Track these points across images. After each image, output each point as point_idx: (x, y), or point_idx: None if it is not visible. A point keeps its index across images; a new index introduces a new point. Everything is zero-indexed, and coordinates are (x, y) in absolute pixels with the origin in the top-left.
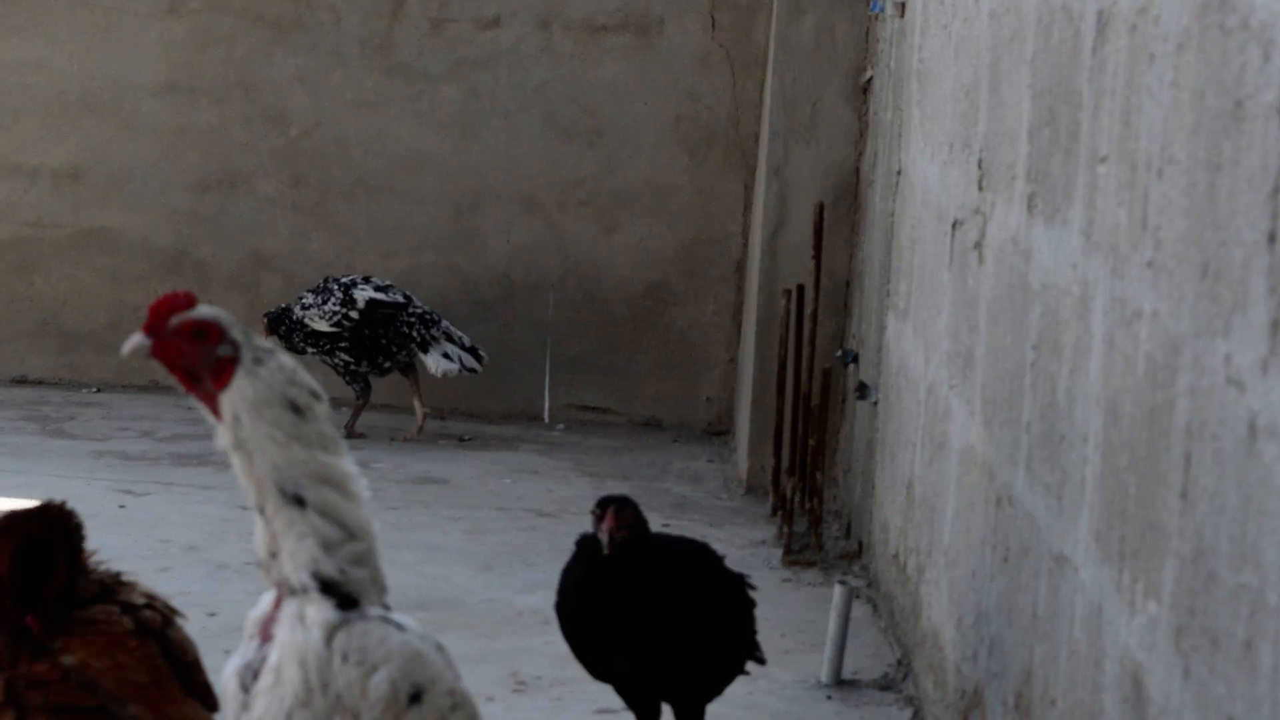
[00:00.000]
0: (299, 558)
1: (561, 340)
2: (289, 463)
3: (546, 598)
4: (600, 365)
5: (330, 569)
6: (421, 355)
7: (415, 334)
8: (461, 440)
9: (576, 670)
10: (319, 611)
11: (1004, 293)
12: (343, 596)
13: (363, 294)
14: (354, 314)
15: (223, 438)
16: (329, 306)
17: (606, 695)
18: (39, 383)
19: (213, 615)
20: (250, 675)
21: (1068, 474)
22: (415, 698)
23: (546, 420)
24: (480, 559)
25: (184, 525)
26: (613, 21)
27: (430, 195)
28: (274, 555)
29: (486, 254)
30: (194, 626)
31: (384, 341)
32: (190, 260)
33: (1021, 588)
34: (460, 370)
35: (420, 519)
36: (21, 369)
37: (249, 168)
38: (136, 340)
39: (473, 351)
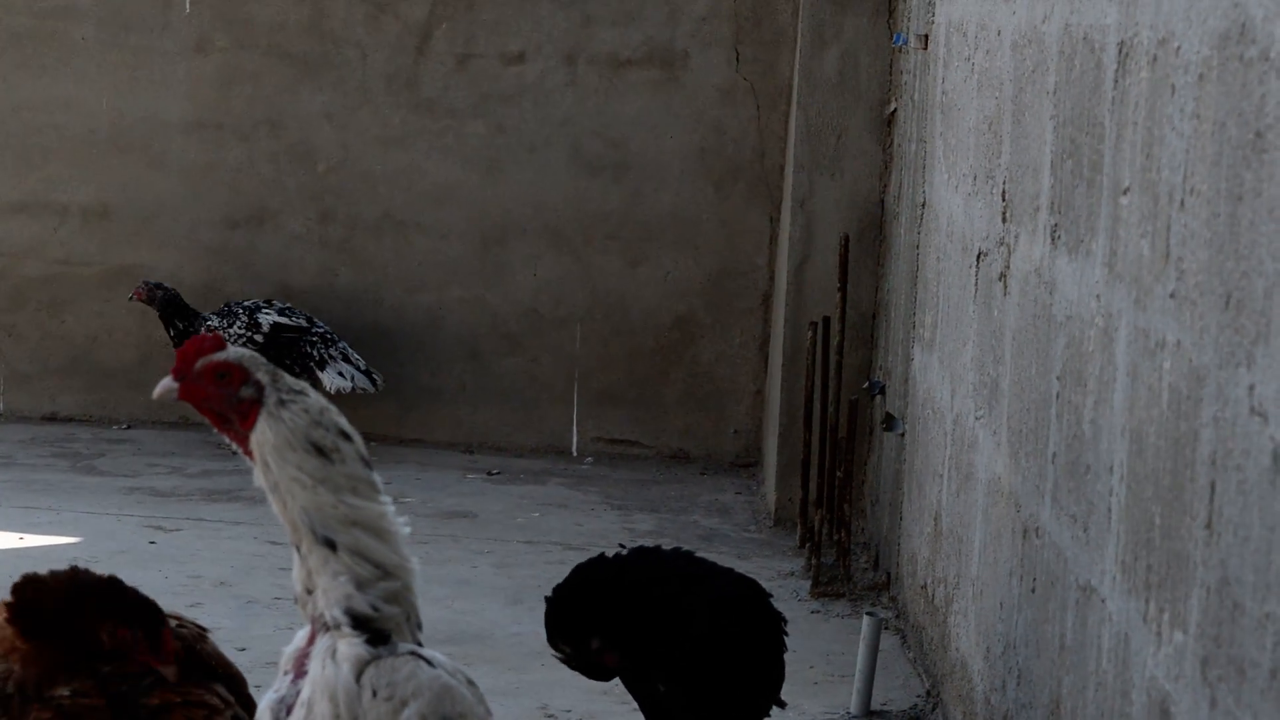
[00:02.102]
0: (332, 595)
1: (589, 373)
2: (317, 506)
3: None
4: (628, 398)
5: (363, 605)
6: (319, 373)
7: (315, 353)
8: (490, 474)
9: (606, 704)
10: (350, 647)
11: (1029, 324)
12: (375, 632)
13: (267, 318)
14: (258, 338)
15: (258, 477)
16: (234, 330)
17: None
18: (69, 419)
19: (243, 650)
20: (284, 710)
21: (1094, 505)
22: None
23: (575, 453)
24: (510, 593)
25: (214, 561)
26: (637, 55)
27: (457, 230)
28: (310, 591)
29: (513, 288)
30: None
31: (287, 363)
32: (219, 296)
33: (1049, 618)
34: (354, 389)
35: (450, 553)
36: (52, 406)
37: (277, 204)
38: (165, 384)
39: (368, 374)
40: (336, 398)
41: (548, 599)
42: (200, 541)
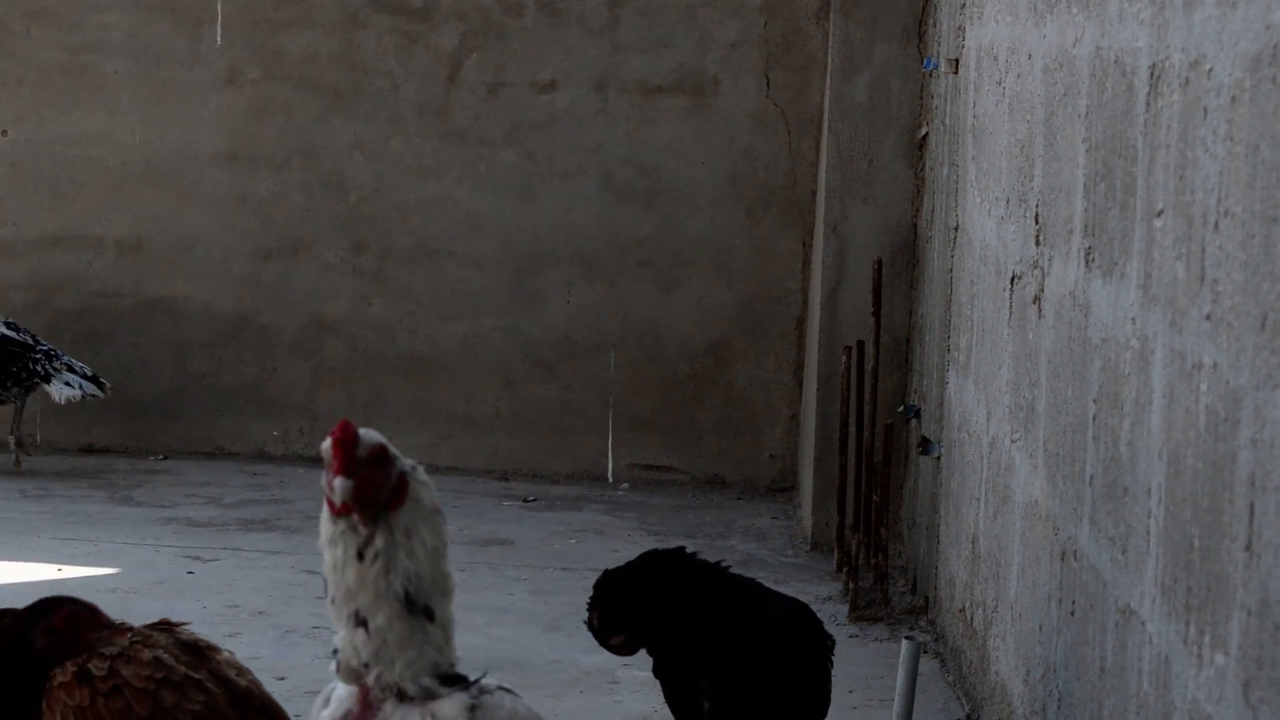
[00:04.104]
0: (418, 665)
1: (624, 400)
2: (435, 575)
3: (612, 657)
4: (663, 424)
5: (449, 667)
6: (46, 386)
7: (40, 369)
8: (526, 501)
9: None
10: (454, 702)
11: (1064, 346)
12: (452, 679)
13: None
14: None
15: (349, 549)
16: None
17: None
18: (106, 451)
19: (282, 679)
20: None
21: (1132, 527)
22: None
23: (610, 480)
24: (546, 620)
25: (252, 590)
26: (668, 83)
27: (490, 258)
28: (368, 665)
29: (547, 315)
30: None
31: (14, 370)
32: (253, 327)
33: (1088, 641)
34: (83, 395)
35: (486, 580)
36: (88, 437)
37: (310, 234)
38: (344, 486)
39: (94, 380)
40: (69, 406)
41: (606, 573)
42: (238, 571)
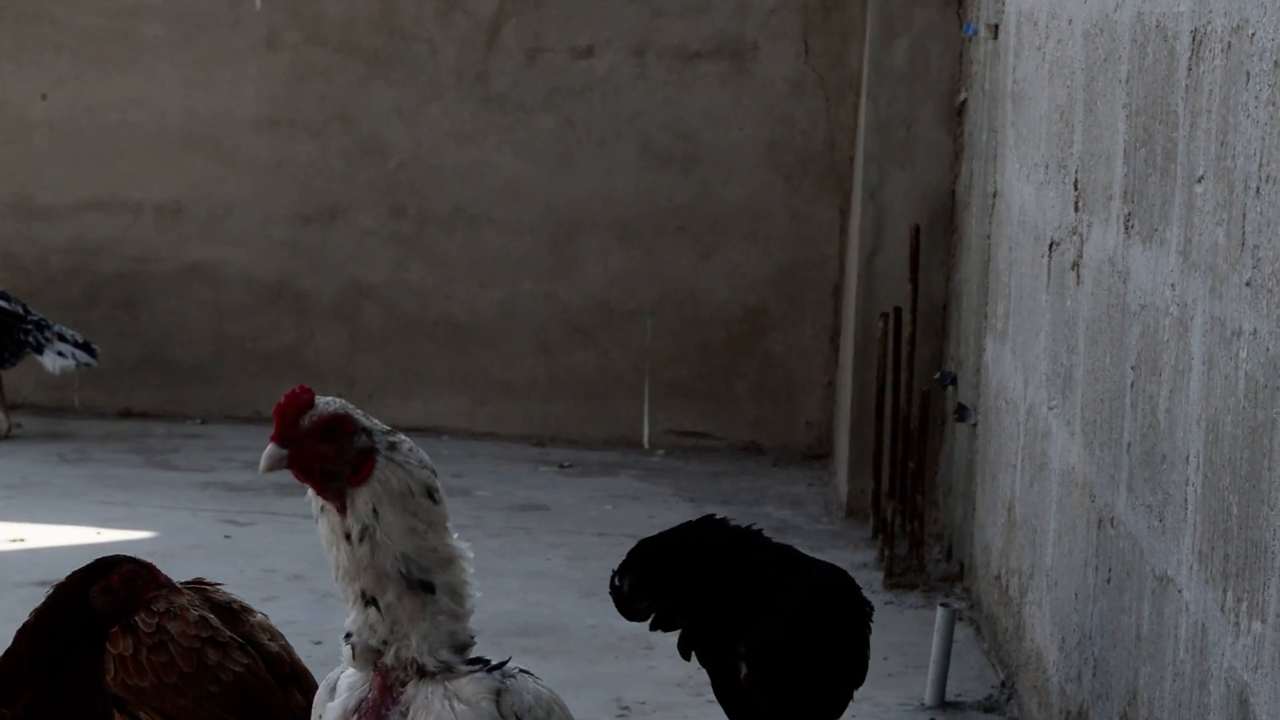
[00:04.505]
0: (435, 637)
1: (660, 366)
2: (420, 551)
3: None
4: (699, 390)
5: (466, 638)
6: (39, 357)
7: (30, 339)
8: (562, 467)
9: (680, 695)
10: (477, 683)
11: (1102, 313)
12: (476, 660)
13: None
14: None
15: (335, 529)
16: None
17: (710, 719)
18: (144, 415)
19: (318, 644)
20: None
21: (1169, 494)
22: None
23: (646, 446)
24: (583, 585)
25: (289, 555)
26: (706, 48)
27: (528, 224)
28: (386, 643)
29: (584, 282)
30: (300, 655)
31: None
32: (291, 292)
33: (1125, 609)
34: (77, 365)
35: (522, 546)
36: (127, 402)
37: (348, 200)
38: (271, 454)
39: (85, 347)
40: (64, 376)
41: (641, 543)
42: (274, 535)
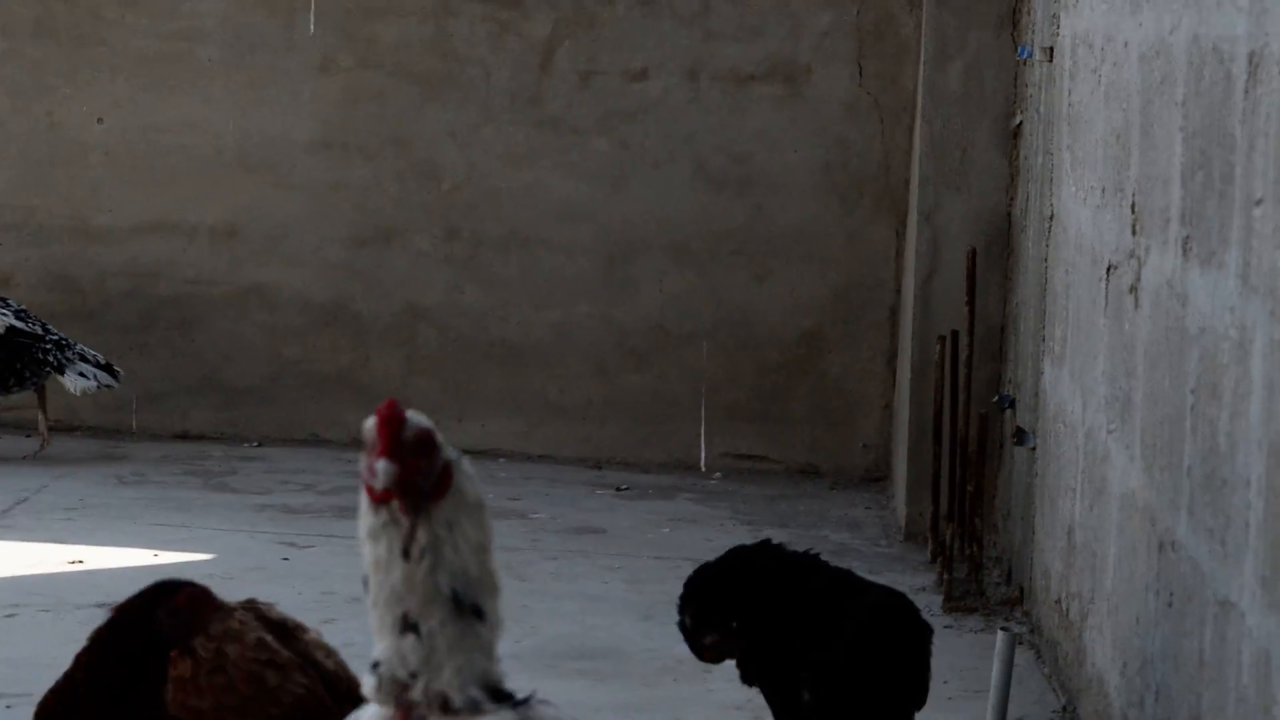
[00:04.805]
0: (469, 672)
1: (716, 388)
2: (482, 571)
3: None
4: (756, 413)
5: (497, 677)
6: (59, 377)
7: (51, 359)
8: (618, 490)
9: (738, 719)
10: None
11: (1161, 336)
12: (499, 694)
13: (2, 320)
14: None
15: (394, 547)
16: None
17: None
18: (200, 437)
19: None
20: None
21: (1231, 518)
22: None
23: (703, 469)
24: (640, 608)
25: (347, 577)
26: (760, 71)
27: (582, 246)
28: (415, 676)
29: (639, 304)
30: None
31: (17, 367)
32: (347, 314)
33: (1186, 633)
34: (98, 387)
35: (579, 569)
36: (183, 424)
37: (403, 222)
38: (388, 469)
39: (108, 368)
40: (83, 398)
41: (696, 571)
42: (333, 558)
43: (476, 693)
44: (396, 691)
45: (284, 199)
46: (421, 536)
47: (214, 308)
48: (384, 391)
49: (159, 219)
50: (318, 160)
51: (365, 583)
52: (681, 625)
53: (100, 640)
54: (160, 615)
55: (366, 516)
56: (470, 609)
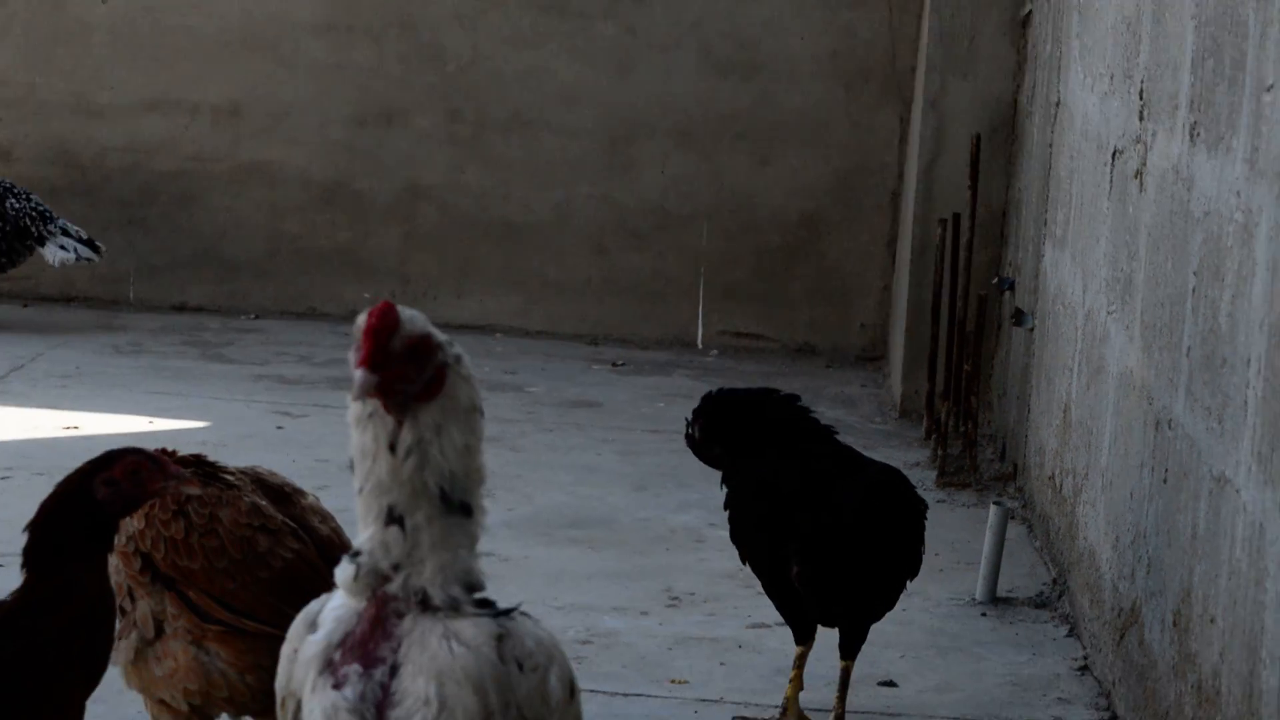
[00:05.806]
0: (451, 570)
1: (715, 268)
2: (467, 471)
3: (699, 516)
4: (754, 293)
5: (479, 576)
6: (39, 249)
7: (34, 229)
8: (615, 365)
9: (729, 586)
10: (479, 627)
11: (1165, 220)
12: (479, 600)
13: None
14: None
15: (380, 439)
16: None
17: (759, 610)
18: (198, 310)
19: None
20: (373, 709)
21: (1229, 397)
22: (572, 690)
23: (700, 346)
24: (634, 479)
25: (340, 446)
26: None
27: (586, 129)
28: (398, 567)
29: (641, 186)
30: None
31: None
32: (348, 192)
33: (1180, 508)
34: (77, 259)
35: (574, 441)
36: (181, 297)
37: (405, 103)
38: (365, 380)
39: (89, 243)
40: (78, 269)
41: (721, 390)
42: (326, 427)
43: (458, 591)
44: (375, 583)
45: (286, 79)
46: (407, 436)
47: (214, 184)
48: (383, 268)
49: (161, 97)
50: (321, 41)
51: (351, 466)
52: (689, 437)
53: (43, 508)
54: (97, 484)
55: (354, 403)
56: (459, 506)
